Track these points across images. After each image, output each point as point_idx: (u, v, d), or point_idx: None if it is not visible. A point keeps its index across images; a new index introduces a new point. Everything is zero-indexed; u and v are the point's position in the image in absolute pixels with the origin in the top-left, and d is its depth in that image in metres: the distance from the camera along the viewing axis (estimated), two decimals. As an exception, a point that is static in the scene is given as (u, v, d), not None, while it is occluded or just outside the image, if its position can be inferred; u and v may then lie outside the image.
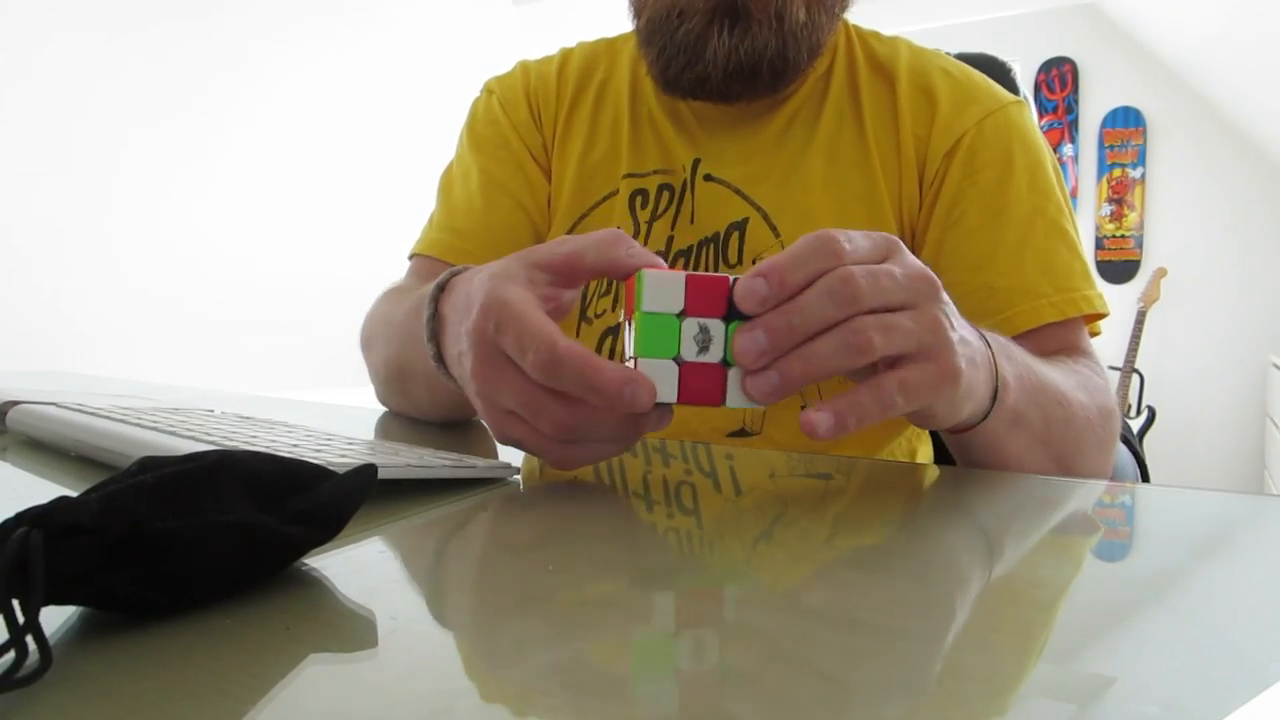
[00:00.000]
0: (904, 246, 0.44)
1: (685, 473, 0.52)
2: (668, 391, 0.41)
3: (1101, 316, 0.71)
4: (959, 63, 0.79)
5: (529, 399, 0.42)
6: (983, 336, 0.49)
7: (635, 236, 0.77)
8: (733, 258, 0.75)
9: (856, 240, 0.42)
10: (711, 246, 0.76)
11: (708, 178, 0.77)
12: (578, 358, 0.39)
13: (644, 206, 0.78)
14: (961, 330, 0.45)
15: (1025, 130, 0.74)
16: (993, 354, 0.50)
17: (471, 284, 0.46)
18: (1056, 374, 0.59)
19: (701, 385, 0.41)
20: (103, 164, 2.40)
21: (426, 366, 0.54)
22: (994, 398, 0.50)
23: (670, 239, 0.77)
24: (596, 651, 0.25)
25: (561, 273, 0.45)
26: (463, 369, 0.46)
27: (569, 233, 0.80)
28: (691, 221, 0.77)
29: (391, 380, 0.72)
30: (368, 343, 0.77)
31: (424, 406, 0.70)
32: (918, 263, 0.44)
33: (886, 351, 0.41)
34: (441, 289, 0.53)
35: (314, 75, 2.97)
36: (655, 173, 0.78)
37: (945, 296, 0.44)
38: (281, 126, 2.87)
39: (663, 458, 0.56)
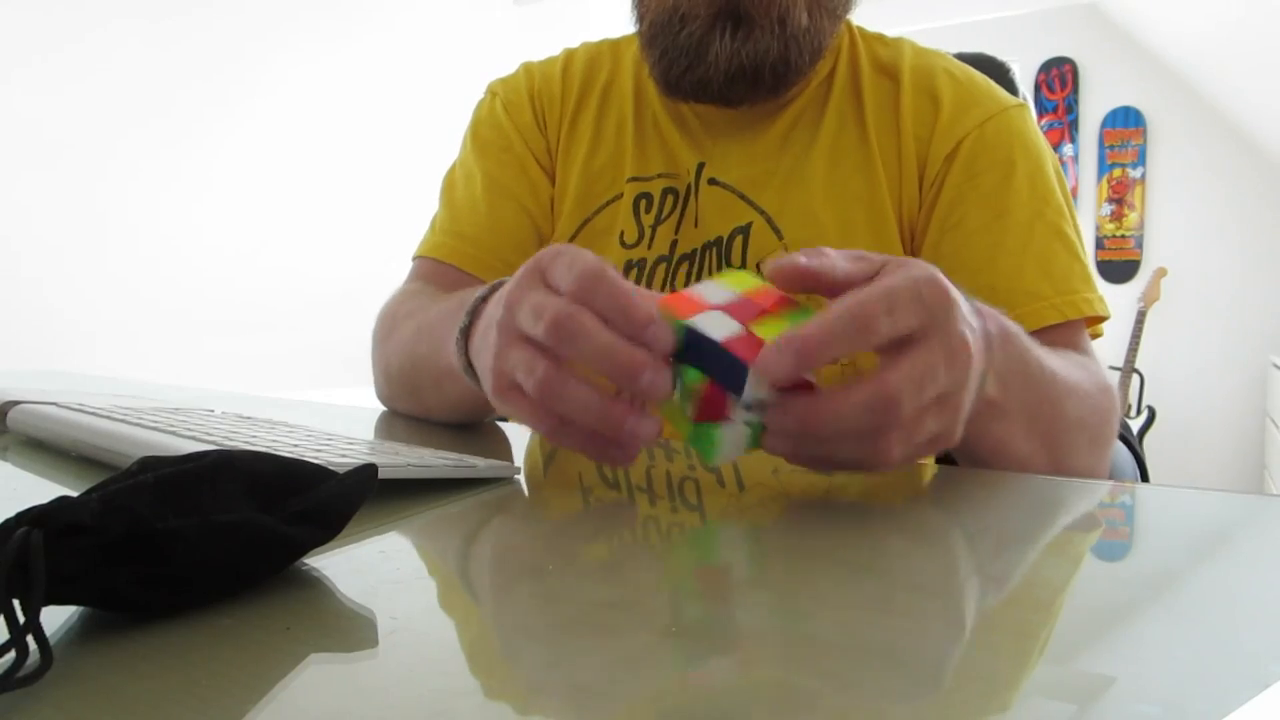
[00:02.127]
0: (957, 306, 0.42)
1: (689, 468, 0.52)
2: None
3: (1102, 319, 0.71)
4: (962, 64, 0.79)
5: (551, 306, 0.41)
6: (987, 335, 0.49)
7: (639, 241, 0.78)
8: (736, 262, 0.75)
9: (899, 314, 0.40)
10: (715, 250, 0.76)
11: (712, 181, 0.77)
12: (618, 281, 0.40)
13: (648, 210, 0.78)
14: (974, 386, 0.44)
15: (1026, 134, 0.74)
16: (990, 362, 0.49)
17: None
18: (1059, 369, 0.59)
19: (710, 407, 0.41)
20: (102, 163, 2.40)
21: (443, 365, 0.55)
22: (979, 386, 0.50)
23: (674, 243, 0.77)
24: (597, 651, 0.25)
25: None
26: (492, 315, 0.46)
27: (574, 236, 0.80)
28: (695, 225, 0.77)
29: (403, 376, 0.72)
30: (384, 337, 0.77)
31: (430, 404, 0.70)
32: (961, 334, 0.42)
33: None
34: (483, 300, 0.54)
35: (314, 75, 2.96)
36: (659, 176, 0.78)
37: (976, 365, 0.43)
38: (281, 126, 2.87)
39: (666, 453, 0.56)
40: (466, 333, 0.54)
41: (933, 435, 0.43)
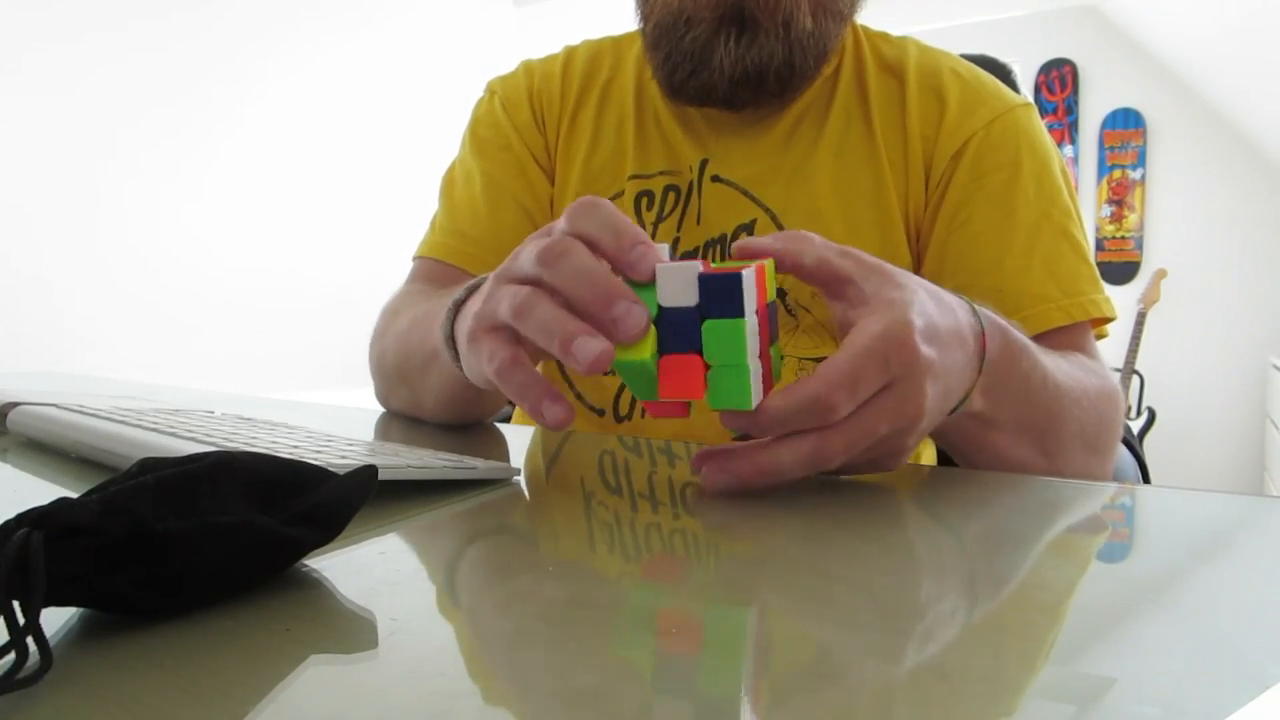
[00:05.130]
0: (920, 364, 0.42)
1: (690, 473, 0.52)
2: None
3: (1109, 320, 0.71)
4: (968, 64, 0.79)
5: (547, 242, 0.42)
6: (981, 353, 0.49)
7: None
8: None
9: (862, 389, 0.41)
10: (718, 248, 0.76)
11: (715, 179, 0.77)
12: (612, 208, 0.42)
13: (649, 208, 0.78)
14: (934, 403, 0.45)
15: (1033, 134, 0.74)
16: (980, 369, 0.50)
17: None
18: (1063, 377, 0.59)
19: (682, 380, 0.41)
20: (102, 165, 2.40)
21: (430, 349, 0.56)
22: (962, 402, 0.50)
23: (676, 240, 0.77)
24: (597, 653, 0.25)
25: None
26: (492, 273, 0.47)
27: None
28: (698, 223, 0.77)
29: (397, 367, 0.72)
30: (380, 334, 0.77)
31: (420, 395, 0.70)
32: (920, 389, 0.43)
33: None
34: (471, 291, 0.55)
35: (314, 75, 2.97)
36: (661, 174, 0.78)
37: (927, 408, 0.44)
38: (281, 126, 2.87)
39: (667, 458, 0.56)
40: (459, 305, 0.54)
41: (873, 455, 0.45)
